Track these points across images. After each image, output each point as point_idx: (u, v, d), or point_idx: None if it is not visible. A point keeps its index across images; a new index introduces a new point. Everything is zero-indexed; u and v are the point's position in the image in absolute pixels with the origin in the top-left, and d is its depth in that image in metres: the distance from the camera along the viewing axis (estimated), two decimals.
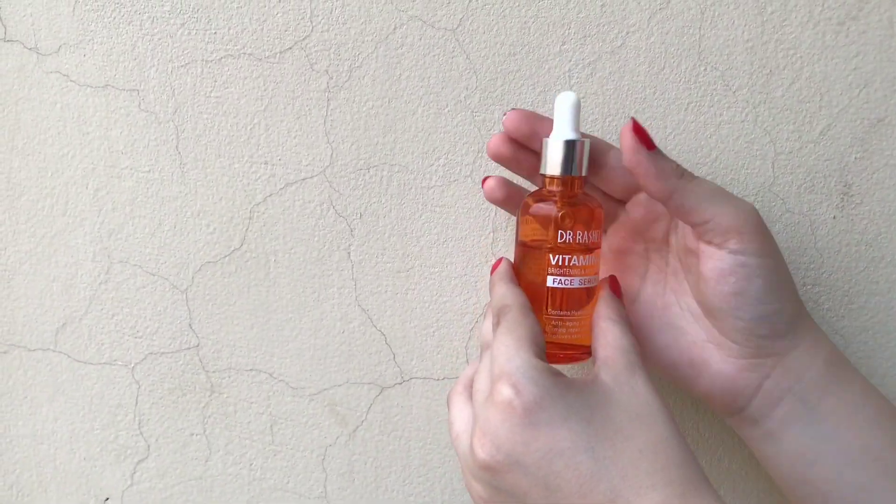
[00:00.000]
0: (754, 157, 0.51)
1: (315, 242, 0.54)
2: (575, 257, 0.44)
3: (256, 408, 0.56)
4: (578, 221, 0.44)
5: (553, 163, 0.44)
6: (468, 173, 0.52)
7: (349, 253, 0.54)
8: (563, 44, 0.50)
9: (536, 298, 0.45)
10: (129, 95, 0.53)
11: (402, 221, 0.53)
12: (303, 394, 0.56)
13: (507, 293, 0.44)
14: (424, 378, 0.55)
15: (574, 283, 0.44)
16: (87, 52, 0.52)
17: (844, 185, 0.51)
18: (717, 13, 0.49)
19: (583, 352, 0.45)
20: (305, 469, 0.57)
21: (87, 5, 0.52)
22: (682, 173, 0.42)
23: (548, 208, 0.44)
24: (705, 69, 0.50)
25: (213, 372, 0.56)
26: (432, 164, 0.52)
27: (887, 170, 0.50)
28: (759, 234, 0.42)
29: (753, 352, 0.44)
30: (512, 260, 0.47)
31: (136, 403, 0.57)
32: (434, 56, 0.51)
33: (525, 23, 0.50)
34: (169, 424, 0.57)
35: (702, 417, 0.54)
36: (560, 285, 0.44)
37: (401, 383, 0.55)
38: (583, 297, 0.45)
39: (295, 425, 0.56)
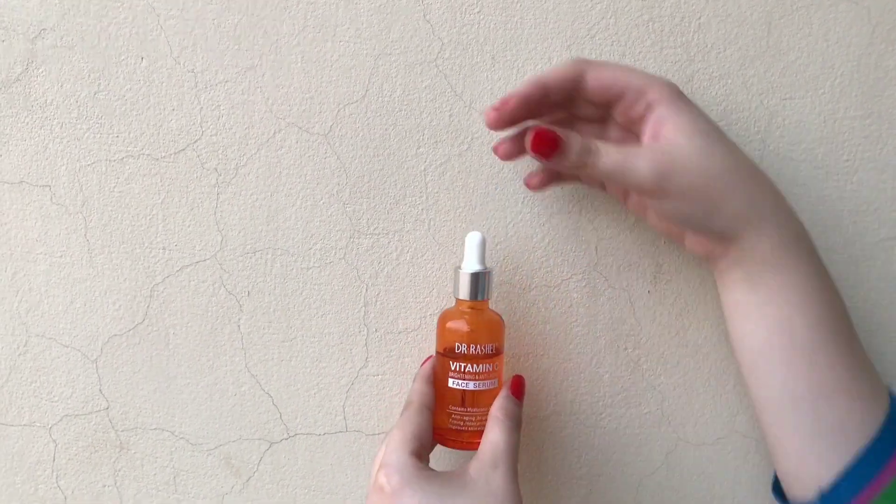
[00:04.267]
0: (580, 242, 0.53)
1: (209, 317, 0.54)
2: (471, 365, 0.47)
3: (161, 461, 0.56)
4: (480, 337, 0.47)
5: (464, 289, 0.48)
6: (342, 256, 0.53)
7: (239, 326, 0.54)
8: (419, 147, 0.52)
9: (443, 395, 0.48)
10: (41, 190, 0.53)
11: (285, 298, 0.54)
12: (201, 449, 0.56)
13: (416, 390, 0.48)
14: (307, 434, 0.55)
15: (469, 385, 0.47)
16: (2, 153, 0.52)
17: (656, 265, 0.53)
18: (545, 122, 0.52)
19: (477, 441, 0.47)
20: None
21: (3, 111, 0.52)
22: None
23: (457, 325, 0.48)
24: (538, 169, 0.52)
25: (122, 431, 0.56)
26: (310, 249, 0.53)
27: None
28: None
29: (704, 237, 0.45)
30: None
31: (54, 460, 0.56)
32: (309, 157, 0.52)
33: (386, 130, 0.52)
34: (83, 478, 0.56)
35: None
36: (459, 387, 0.47)
37: (287, 438, 0.55)
38: (480, 398, 0.47)
39: (195, 476, 0.56)
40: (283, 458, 0.56)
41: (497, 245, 0.53)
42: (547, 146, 0.43)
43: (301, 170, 0.53)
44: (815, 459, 0.44)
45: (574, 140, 0.43)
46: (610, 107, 0.46)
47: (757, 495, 0.55)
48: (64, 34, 0.52)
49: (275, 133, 0.52)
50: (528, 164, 0.52)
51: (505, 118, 0.45)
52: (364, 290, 0.54)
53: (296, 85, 0.52)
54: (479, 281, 0.47)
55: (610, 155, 0.43)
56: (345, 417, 0.55)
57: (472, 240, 0.47)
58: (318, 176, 0.53)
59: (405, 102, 0.52)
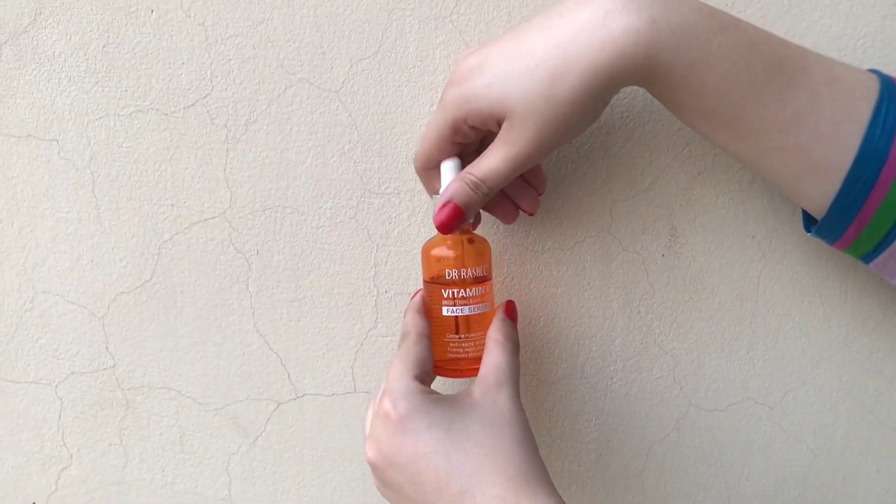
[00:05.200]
0: (594, 204, 0.51)
1: (217, 275, 0.53)
2: (463, 290, 0.45)
3: (167, 421, 0.55)
4: (467, 261, 0.46)
5: None
6: (352, 216, 0.52)
7: (247, 285, 0.53)
8: (432, 105, 0.50)
9: (437, 324, 0.46)
10: (49, 145, 0.52)
11: (294, 257, 0.53)
12: (208, 408, 0.55)
13: (410, 321, 0.46)
14: (315, 394, 0.55)
15: (465, 311, 0.46)
16: (10, 106, 0.51)
17: (671, 228, 0.52)
18: None
19: (476, 367, 0.46)
20: (212, 474, 0.56)
21: (9, 64, 0.51)
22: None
23: (442, 252, 0.46)
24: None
25: (128, 389, 0.55)
26: (320, 208, 0.52)
27: (707, 215, 0.51)
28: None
29: None
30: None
31: (60, 417, 0.56)
32: (320, 113, 0.51)
33: (399, 87, 0.50)
34: (89, 436, 0.56)
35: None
36: (453, 314, 0.46)
37: (295, 399, 0.55)
38: (475, 323, 0.46)
39: (202, 436, 0.55)
40: (290, 418, 0.55)
41: None
42: (453, 222, 0.44)
43: (312, 127, 0.51)
44: (801, 200, 0.43)
45: (464, 194, 0.43)
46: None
47: (769, 463, 0.54)
48: None
49: (286, 89, 0.51)
50: None
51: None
52: (374, 251, 0.53)
53: (307, 40, 0.50)
54: None
55: (491, 171, 0.42)
56: (353, 378, 0.54)
57: (448, 166, 0.45)
58: (329, 133, 0.51)
59: (419, 59, 0.50)
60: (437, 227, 0.44)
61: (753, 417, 0.54)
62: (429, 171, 0.47)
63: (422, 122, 0.51)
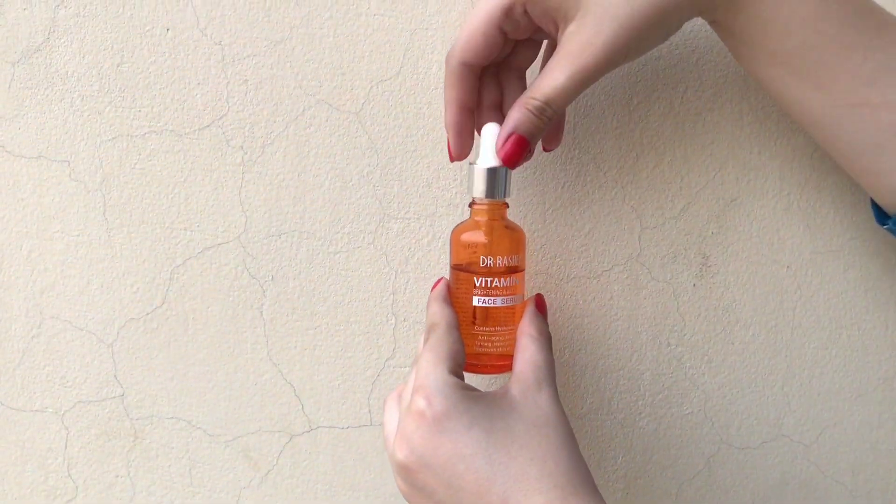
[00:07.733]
0: (623, 231, 0.49)
1: (230, 302, 0.51)
2: (497, 280, 0.42)
3: (177, 452, 0.53)
4: (501, 248, 0.43)
5: (479, 187, 0.42)
6: (371, 241, 0.50)
7: (262, 312, 0.51)
8: None
9: (465, 315, 0.43)
10: (60, 166, 0.50)
11: (310, 283, 0.51)
12: (219, 440, 0.53)
13: (437, 312, 0.43)
14: (330, 427, 0.52)
15: (497, 302, 0.43)
16: (21, 126, 0.49)
17: (703, 257, 0.50)
18: (588, 103, 0.48)
19: (508, 362, 0.43)
20: None
21: (21, 83, 0.49)
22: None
23: (474, 236, 0.43)
24: (579, 152, 0.49)
25: (137, 419, 0.53)
26: (338, 233, 0.50)
27: (741, 244, 0.49)
28: None
29: None
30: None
31: (66, 448, 0.53)
32: (339, 136, 0.49)
33: (420, 109, 0.48)
34: (96, 467, 0.53)
35: None
36: (484, 304, 0.43)
37: (308, 431, 0.52)
38: (506, 315, 0.43)
39: (212, 469, 0.53)
40: (304, 451, 0.53)
41: (534, 233, 0.49)
42: (519, 155, 0.40)
43: (330, 149, 0.49)
44: (877, 179, 0.40)
45: (528, 122, 0.40)
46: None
47: (805, 503, 0.51)
48: (87, 2, 0.49)
49: (304, 110, 0.49)
50: (561, 151, 0.49)
51: (465, 147, 0.44)
52: (393, 277, 0.51)
53: (327, 60, 0.48)
54: (498, 177, 0.42)
55: (556, 89, 0.39)
56: (370, 411, 0.52)
57: (490, 131, 0.42)
58: (348, 156, 0.49)
59: (441, 80, 0.48)
60: (504, 162, 0.41)
61: (788, 455, 0.51)
62: (463, 69, 0.42)
63: (443, 146, 0.49)
